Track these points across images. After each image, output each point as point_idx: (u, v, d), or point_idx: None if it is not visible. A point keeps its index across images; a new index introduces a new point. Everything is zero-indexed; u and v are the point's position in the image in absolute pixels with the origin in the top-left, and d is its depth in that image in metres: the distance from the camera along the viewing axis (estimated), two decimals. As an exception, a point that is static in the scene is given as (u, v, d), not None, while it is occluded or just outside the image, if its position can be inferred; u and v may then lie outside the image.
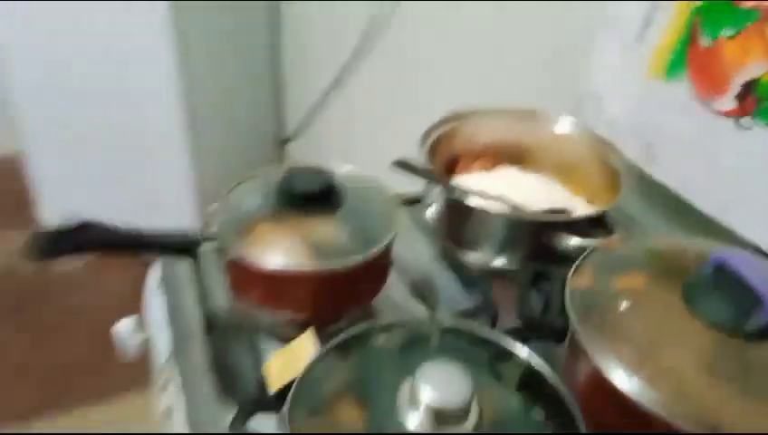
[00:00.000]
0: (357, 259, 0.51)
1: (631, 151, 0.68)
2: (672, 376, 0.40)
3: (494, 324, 0.55)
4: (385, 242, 0.53)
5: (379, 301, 0.58)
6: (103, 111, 1.56)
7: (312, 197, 0.53)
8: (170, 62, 1.44)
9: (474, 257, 0.60)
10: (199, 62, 1.52)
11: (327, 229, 0.53)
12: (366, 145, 1.47)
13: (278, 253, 0.50)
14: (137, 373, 1.19)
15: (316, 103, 1.62)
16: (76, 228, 0.48)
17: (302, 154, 1.86)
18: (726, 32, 0.58)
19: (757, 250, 0.57)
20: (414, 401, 0.38)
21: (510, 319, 0.52)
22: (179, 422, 0.52)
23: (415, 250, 0.67)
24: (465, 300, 0.60)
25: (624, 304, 0.44)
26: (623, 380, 0.39)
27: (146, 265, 0.65)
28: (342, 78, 1.48)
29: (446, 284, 0.63)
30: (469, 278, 0.60)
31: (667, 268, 0.46)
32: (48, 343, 1.56)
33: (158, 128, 1.54)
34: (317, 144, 1.76)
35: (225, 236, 0.52)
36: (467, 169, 0.70)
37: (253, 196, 0.56)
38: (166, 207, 1.60)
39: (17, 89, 1.60)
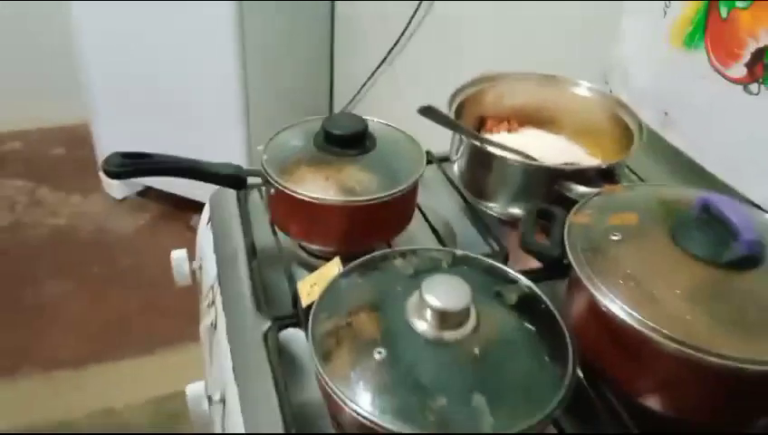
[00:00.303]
0: (381, 196, 0.57)
1: (649, 117, 0.72)
2: (657, 301, 0.44)
3: (505, 262, 0.60)
4: (408, 183, 0.59)
5: (402, 240, 0.64)
6: (166, 86, 1.66)
7: (346, 139, 0.59)
8: (231, 42, 1.52)
9: (492, 206, 0.66)
10: (258, 43, 1.59)
11: (358, 169, 0.59)
12: (410, 118, 1.53)
13: (313, 187, 0.57)
14: (184, 329, 1.30)
15: (365, 81, 1.69)
16: (141, 155, 0.56)
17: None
18: (740, 3, 0.62)
19: (758, 207, 0.61)
20: (421, 307, 0.44)
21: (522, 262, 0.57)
22: (221, 335, 0.59)
23: (440, 202, 0.73)
24: (483, 245, 0.66)
25: (616, 238, 0.49)
26: (613, 303, 0.44)
27: (195, 230, 0.73)
28: (390, 57, 1.55)
29: (467, 231, 0.69)
30: (487, 225, 0.66)
31: (660, 210, 0.50)
32: (105, 298, 1.69)
33: (215, 99, 1.63)
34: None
35: (267, 172, 0.59)
36: (494, 129, 0.75)
37: (295, 139, 0.63)
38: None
39: (87, 61, 1.72)
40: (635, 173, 0.77)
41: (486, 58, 1.19)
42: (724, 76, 0.64)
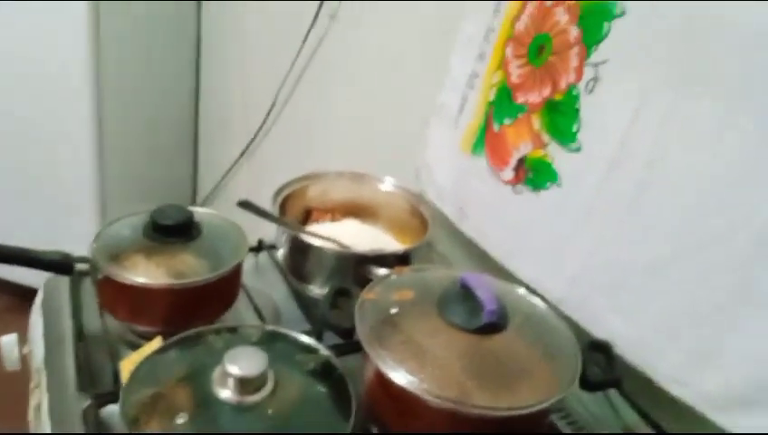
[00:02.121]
0: (203, 279, 0.64)
1: (449, 211, 0.86)
2: (426, 364, 0.54)
3: (319, 338, 0.68)
4: (229, 267, 0.66)
5: (228, 319, 0.70)
6: (17, 161, 1.63)
7: (173, 229, 0.66)
8: (88, 129, 1.54)
9: (311, 287, 0.75)
10: (118, 131, 1.63)
11: (185, 255, 0.66)
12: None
13: (139, 272, 0.63)
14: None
15: (227, 170, 1.77)
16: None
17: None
18: (507, 120, 0.77)
19: (528, 288, 0.74)
20: (223, 376, 0.51)
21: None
22: (44, 416, 0.62)
23: (270, 284, 0.80)
24: (304, 323, 0.74)
25: (395, 311, 0.58)
26: (390, 368, 0.52)
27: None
28: (251, 149, 1.65)
29: (291, 310, 0.76)
30: (305, 304, 0.74)
31: (432, 287, 0.61)
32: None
33: (69, 186, 1.63)
34: (225, 210, 1.89)
35: (97, 258, 0.64)
36: (319, 219, 0.85)
37: (126, 229, 0.69)
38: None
39: None
40: (441, 256, 0.89)
41: (332, 154, 1.32)
42: (499, 178, 0.79)
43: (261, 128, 1.54)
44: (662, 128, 0.60)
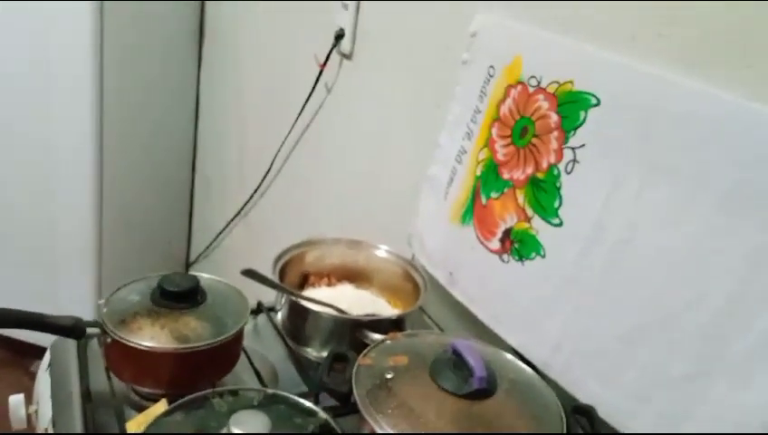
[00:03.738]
0: (207, 343, 0.67)
1: (440, 276, 0.90)
2: (419, 427, 0.57)
3: (316, 401, 0.71)
4: (232, 332, 0.70)
5: (229, 380, 0.74)
6: (16, 231, 1.67)
7: (179, 295, 0.70)
8: (88, 194, 1.59)
9: (308, 350, 0.78)
10: (115, 192, 1.67)
11: (190, 320, 0.70)
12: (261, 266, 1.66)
13: (146, 336, 0.67)
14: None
15: (221, 230, 1.82)
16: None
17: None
18: (493, 194, 0.83)
19: (515, 353, 0.78)
20: (227, 440, 0.54)
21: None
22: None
23: (268, 346, 0.84)
24: (301, 385, 0.77)
25: (390, 376, 0.62)
26: (385, 430, 0.56)
27: (34, 376, 0.78)
28: (245, 210, 1.70)
29: (289, 372, 0.80)
30: (303, 367, 0.77)
31: (425, 352, 0.65)
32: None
33: (67, 248, 1.66)
34: (218, 268, 1.93)
35: (105, 323, 0.68)
36: (316, 283, 0.89)
37: (134, 294, 0.72)
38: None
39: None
40: (432, 319, 0.93)
41: (326, 218, 1.37)
42: (486, 248, 0.84)
43: (257, 189, 1.60)
44: (632, 209, 0.66)
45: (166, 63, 1.74)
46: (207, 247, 1.94)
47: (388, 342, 0.69)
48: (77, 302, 1.67)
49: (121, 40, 1.52)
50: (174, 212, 2.01)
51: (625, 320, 0.66)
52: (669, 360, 0.62)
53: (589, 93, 0.70)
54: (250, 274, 0.73)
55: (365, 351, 0.67)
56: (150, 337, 0.67)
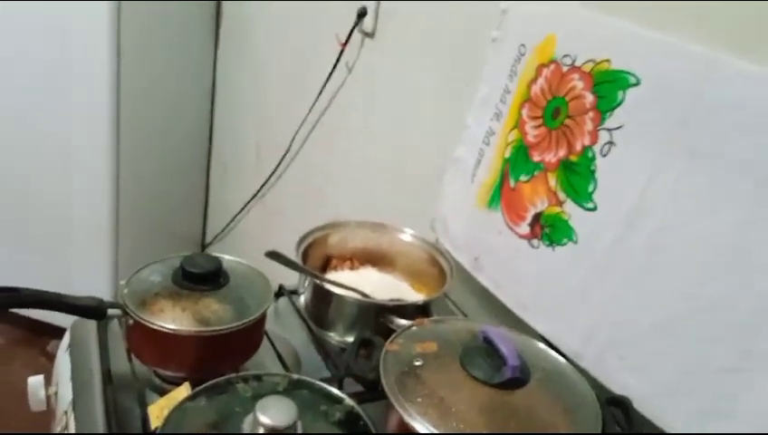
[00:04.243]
0: (229, 326, 0.66)
1: (464, 260, 0.88)
2: (449, 416, 0.55)
3: (340, 386, 0.70)
4: (254, 316, 0.68)
5: (251, 365, 0.72)
6: (34, 214, 1.67)
7: (202, 277, 0.68)
8: (104, 176, 1.57)
9: (332, 335, 0.77)
10: (132, 174, 1.66)
11: (212, 303, 0.68)
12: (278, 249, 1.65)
13: (168, 318, 0.65)
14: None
15: (237, 212, 1.80)
16: (7, 289, 0.61)
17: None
18: (523, 177, 0.80)
19: (542, 339, 0.76)
20: (254, 425, 0.53)
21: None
22: (71, 459, 0.63)
23: (290, 330, 0.82)
24: (324, 370, 0.75)
25: (419, 364, 0.60)
26: (415, 420, 0.54)
27: (50, 356, 0.76)
28: (262, 192, 1.68)
29: (312, 356, 0.78)
30: (327, 352, 0.76)
31: (454, 339, 0.63)
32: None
33: (85, 226, 1.66)
34: (234, 250, 1.92)
35: (127, 304, 0.66)
36: (338, 267, 0.88)
37: (155, 275, 0.71)
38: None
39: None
40: (455, 305, 0.91)
41: (341, 201, 1.35)
42: (514, 232, 0.81)
43: (274, 171, 1.58)
44: (672, 196, 0.63)
45: (182, 47, 1.72)
46: (223, 230, 1.93)
47: (415, 328, 0.67)
48: (94, 284, 1.67)
49: (138, 24, 1.50)
50: (190, 195, 2.00)
51: (662, 310, 0.63)
52: (709, 352, 0.59)
53: (628, 72, 0.67)
54: (274, 256, 0.71)
55: (392, 337, 0.65)
56: (172, 319, 0.65)
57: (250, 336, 0.71)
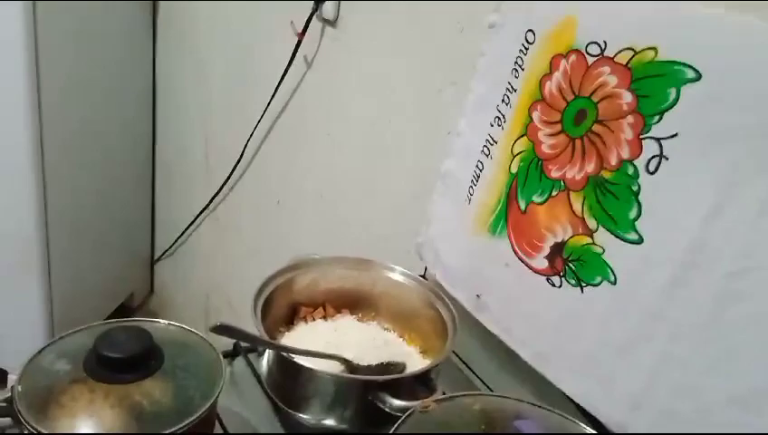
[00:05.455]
0: (168, 433, 0.48)
1: (463, 298, 0.72)
2: None
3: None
4: (203, 410, 0.50)
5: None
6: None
7: (124, 362, 0.50)
8: (32, 179, 1.36)
9: (305, 417, 0.59)
10: (67, 188, 1.45)
11: (140, 397, 0.50)
12: (232, 268, 1.46)
13: (85, 424, 0.47)
14: None
15: (186, 226, 1.60)
16: None
17: (170, 274, 1.82)
18: (537, 197, 0.64)
19: (568, 399, 0.60)
20: None
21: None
22: None
23: (249, 405, 0.65)
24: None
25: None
26: None
27: None
28: (213, 204, 1.48)
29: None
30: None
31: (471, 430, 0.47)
32: None
33: (7, 250, 1.44)
34: (183, 270, 1.73)
35: (21, 410, 0.47)
36: (308, 317, 0.70)
37: (62, 360, 0.52)
38: (14, 337, 1.45)
39: None
40: (460, 357, 0.75)
41: (303, 218, 1.17)
42: (528, 266, 0.65)
43: (226, 182, 1.38)
44: (753, 228, 0.47)
45: (113, 38, 1.50)
46: (172, 246, 1.72)
47: (419, 413, 0.51)
48: (23, 323, 1.45)
49: (59, 23, 1.28)
50: (133, 205, 1.78)
51: (739, 380, 0.48)
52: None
53: (683, 64, 0.51)
54: (222, 330, 0.53)
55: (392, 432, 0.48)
56: (94, 425, 0.47)
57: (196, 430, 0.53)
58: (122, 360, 0.50)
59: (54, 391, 0.49)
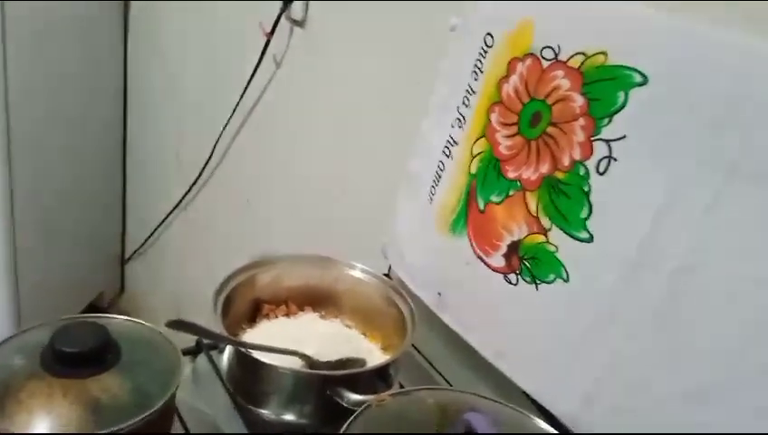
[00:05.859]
0: (124, 426, 0.48)
1: (425, 296, 0.73)
2: None
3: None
4: (159, 404, 0.51)
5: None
6: None
7: (81, 357, 0.50)
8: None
9: (264, 413, 0.60)
10: (37, 188, 1.44)
11: (97, 392, 0.50)
12: (201, 265, 1.46)
13: (36, 423, 0.47)
14: None
15: (158, 225, 1.59)
16: None
17: (141, 272, 1.81)
18: (494, 197, 0.65)
19: (525, 394, 0.62)
20: None
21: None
22: None
23: (207, 399, 0.65)
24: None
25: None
26: None
27: None
28: (184, 202, 1.48)
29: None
30: (258, 432, 0.59)
31: (426, 424, 0.48)
32: None
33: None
34: (154, 269, 1.72)
35: (-26, 405, 0.47)
36: (270, 314, 0.71)
37: (19, 355, 0.52)
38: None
39: None
40: (419, 352, 0.76)
41: (273, 216, 1.18)
42: (486, 264, 0.66)
43: (196, 181, 1.38)
44: (700, 227, 0.49)
45: (83, 37, 1.48)
46: (143, 244, 1.71)
47: (375, 407, 0.52)
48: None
49: (28, 18, 1.27)
50: (104, 203, 1.77)
51: (691, 375, 0.50)
52: (756, 429, 0.46)
53: (630, 69, 0.53)
54: (178, 325, 0.53)
55: (346, 424, 0.49)
56: (43, 423, 0.47)
57: (152, 428, 0.53)
58: (78, 354, 0.50)
59: (12, 388, 0.50)
